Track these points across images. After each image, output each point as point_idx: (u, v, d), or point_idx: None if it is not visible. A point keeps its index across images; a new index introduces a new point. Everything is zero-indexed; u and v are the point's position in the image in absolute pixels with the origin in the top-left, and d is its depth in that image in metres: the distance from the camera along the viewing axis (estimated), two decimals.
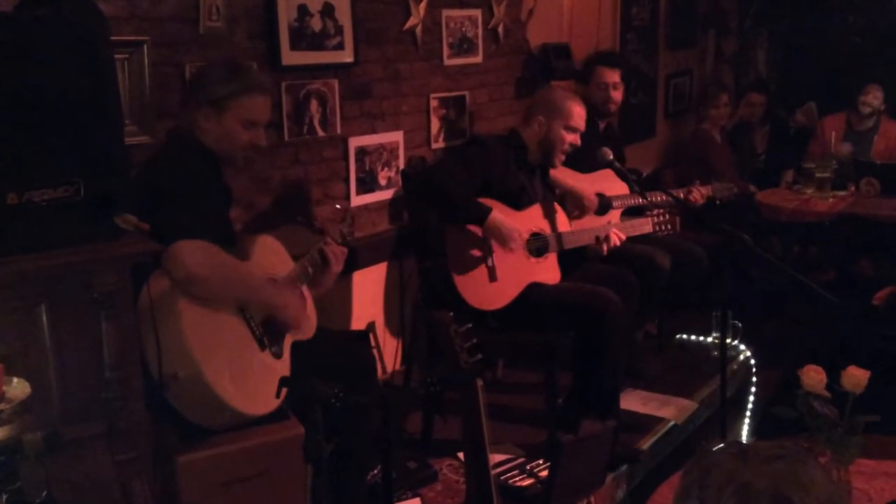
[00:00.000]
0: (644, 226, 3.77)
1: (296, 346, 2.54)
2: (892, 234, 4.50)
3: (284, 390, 2.18)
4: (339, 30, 3.49)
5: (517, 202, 3.41)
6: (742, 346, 4.26)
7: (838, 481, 2.02)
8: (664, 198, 3.73)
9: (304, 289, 2.67)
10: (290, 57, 3.30)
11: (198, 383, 2.21)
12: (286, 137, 3.37)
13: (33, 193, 1.84)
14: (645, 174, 4.94)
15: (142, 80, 2.80)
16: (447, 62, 4.08)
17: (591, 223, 3.67)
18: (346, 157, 3.64)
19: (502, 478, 3.03)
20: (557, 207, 3.58)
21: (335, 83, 3.53)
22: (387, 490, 2.03)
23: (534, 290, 3.34)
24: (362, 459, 2.72)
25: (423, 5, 3.87)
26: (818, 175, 4.84)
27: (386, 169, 3.83)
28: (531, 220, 3.43)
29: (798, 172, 5.09)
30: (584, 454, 2.70)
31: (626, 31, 5.41)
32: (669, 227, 3.79)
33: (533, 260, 3.41)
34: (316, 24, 3.40)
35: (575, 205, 3.73)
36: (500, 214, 3.27)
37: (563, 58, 4.61)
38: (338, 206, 3.25)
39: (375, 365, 2.88)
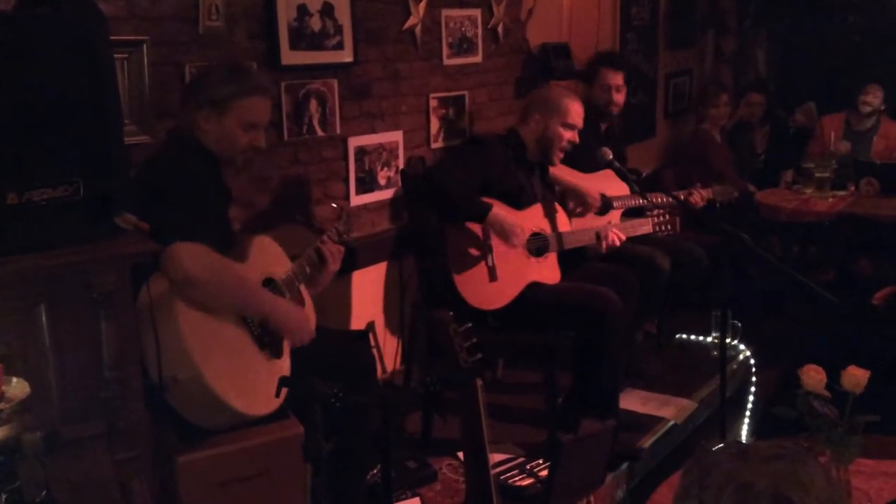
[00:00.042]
0: (644, 226, 3.77)
1: None
2: (891, 233, 4.50)
3: (284, 390, 2.19)
4: (339, 29, 3.49)
5: (517, 201, 3.41)
6: (742, 346, 4.26)
7: (838, 481, 2.02)
8: (665, 199, 3.73)
9: (303, 288, 2.67)
10: (289, 56, 3.30)
11: (198, 384, 2.20)
12: (286, 137, 3.36)
13: (33, 193, 1.84)
14: (645, 174, 4.94)
15: (141, 80, 2.80)
16: (447, 62, 4.08)
17: (591, 223, 3.67)
18: (345, 157, 3.64)
19: (502, 477, 3.03)
20: (558, 207, 3.58)
21: (335, 83, 3.53)
22: (386, 490, 2.03)
23: (534, 289, 3.34)
24: (362, 459, 2.72)
25: (422, 5, 3.87)
26: (818, 175, 4.84)
27: (385, 169, 3.83)
28: (532, 219, 3.43)
29: (798, 172, 5.10)
30: (584, 454, 2.70)
31: (625, 31, 5.41)
32: (669, 227, 3.79)
33: (533, 259, 3.41)
34: (315, 23, 3.40)
35: (578, 202, 3.72)
36: (502, 210, 3.27)
37: (563, 57, 4.61)
38: (334, 205, 3.24)
39: (375, 364, 2.88)
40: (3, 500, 1.74)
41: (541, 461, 3.16)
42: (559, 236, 3.48)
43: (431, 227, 3.38)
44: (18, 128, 1.83)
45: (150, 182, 2.38)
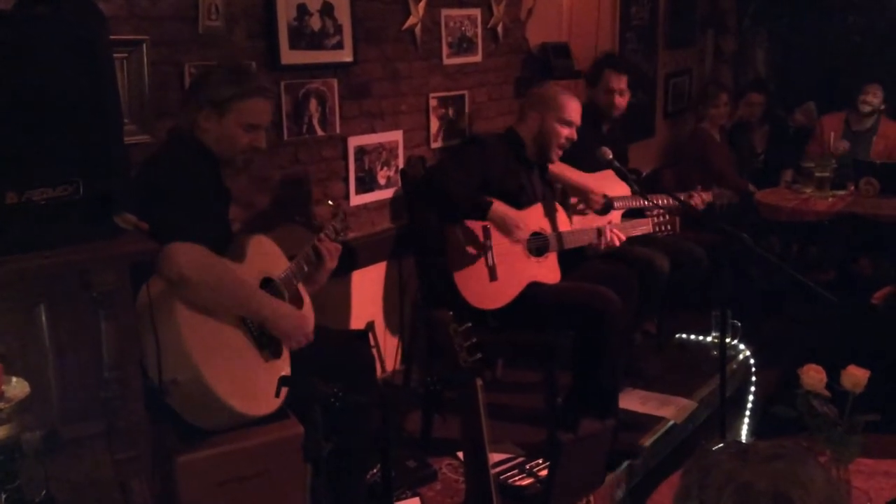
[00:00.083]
0: (644, 226, 3.77)
1: None
2: (891, 233, 4.50)
3: (284, 390, 2.19)
4: (339, 29, 3.49)
5: (518, 201, 3.41)
6: (741, 346, 4.26)
7: (838, 480, 2.02)
8: (666, 200, 3.73)
9: (301, 287, 2.67)
10: (289, 56, 3.30)
11: (198, 385, 2.20)
12: (285, 137, 3.36)
13: (32, 192, 1.84)
14: (644, 174, 4.94)
15: (141, 80, 2.80)
16: (446, 61, 4.08)
17: (591, 223, 3.67)
18: (345, 157, 3.64)
19: (502, 477, 3.03)
20: (558, 206, 3.58)
21: (334, 82, 3.53)
22: (386, 489, 2.03)
23: (534, 289, 3.34)
24: (362, 459, 2.72)
25: (422, 4, 3.87)
26: (817, 174, 4.84)
27: (385, 168, 3.83)
28: (532, 219, 3.43)
29: (797, 172, 5.10)
30: (584, 453, 2.70)
31: (625, 31, 5.41)
32: (669, 227, 3.79)
33: (533, 259, 3.41)
34: (315, 23, 3.40)
35: (580, 199, 3.72)
36: (503, 205, 3.27)
37: (563, 57, 4.61)
38: (330, 203, 3.24)
39: (375, 364, 2.88)
40: (3, 499, 1.74)
41: (540, 461, 3.16)
42: (559, 236, 3.48)
43: (431, 227, 3.38)
44: (18, 127, 1.83)
45: (150, 182, 2.38)
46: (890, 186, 4.67)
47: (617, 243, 3.58)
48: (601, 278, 3.44)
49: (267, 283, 2.53)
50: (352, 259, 3.58)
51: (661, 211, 3.79)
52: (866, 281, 4.65)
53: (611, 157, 3.45)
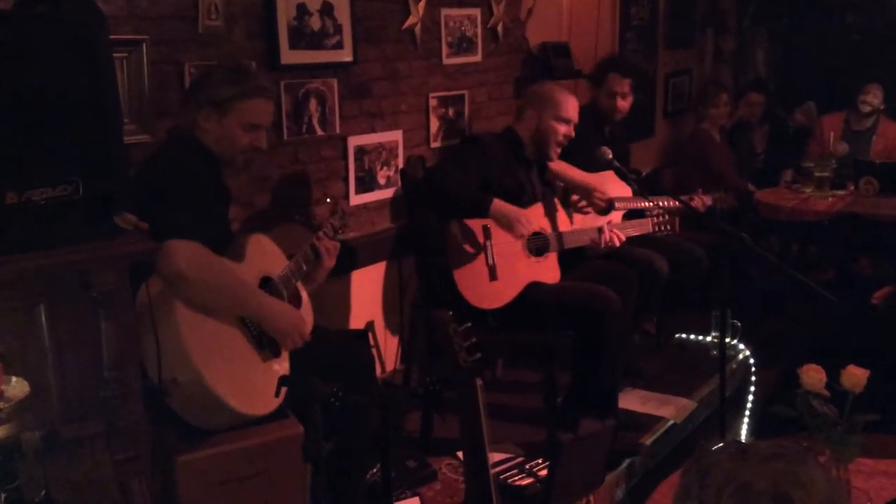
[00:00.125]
0: (644, 226, 3.77)
1: None
2: (891, 233, 4.50)
3: (284, 389, 2.19)
4: (338, 29, 3.49)
5: (518, 200, 3.41)
6: (741, 346, 4.26)
7: (838, 480, 2.02)
8: (666, 202, 3.73)
9: (301, 286, 2.67)
10: (288, 56, 3.30)
11: (198, 385, 2.20)
12: (285, 136, 3.36)
13: (32, 192, 1.84)
14: (644, 174, 4.94)
15: (141, 79, 2.80)
16: (446, 61, 4.08)
17: (592, 223, 3.67)
18: (344, 157, 3.64)
19: (501, 477, 3.03)
20: (558, 206, 3.58)
21: (334, 82, 3.52)
22: (386, 489, 2.03)
23: (533, 289, 3.34)
24: (361, 458, 2.72)
25: (422, 4, 3.87)
26: (817, 174, 4.84)
27: (385, 168, 3.82)
28: (533, 218, 3.42)
29: (797, 172, 5.10)
30: (584, 453, 2.70)
31: (625, 31, 5.41)
32: (668, 227, 3.79)
33: (533, 259, 3.41)
34: (315, 23, 3.40)
35: (583, 196, 3.71)
36: (503, 202, 3.26)
37: (563, 57, 4.61)
38: (328, 200, 3.24)
39: (374, 364, 2.88)
40: (3, 499, 1.74)
41: (540, 461, 3.16)
42: (559, 236, 3.48)
43: (431, 227, 3.38)
44: (18, 127, 1.82)
45: (150, 181, 2.38)
46: (889, 186, 4.67)
47: (617, 243, 3.58)
48: (601, 278, 3.44)
49: (266, 283, 2.53)
50: (351, 259, 3.58)
51: (661, 211, 3.79)
52: (866, 281, 4.65)
53: (611, 156, 3.45)
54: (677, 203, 3.56)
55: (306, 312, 2.63)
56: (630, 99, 4.19)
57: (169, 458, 2.25)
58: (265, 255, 2.59)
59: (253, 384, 2.35)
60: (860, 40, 6.53)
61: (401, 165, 3.86)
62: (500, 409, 3.57)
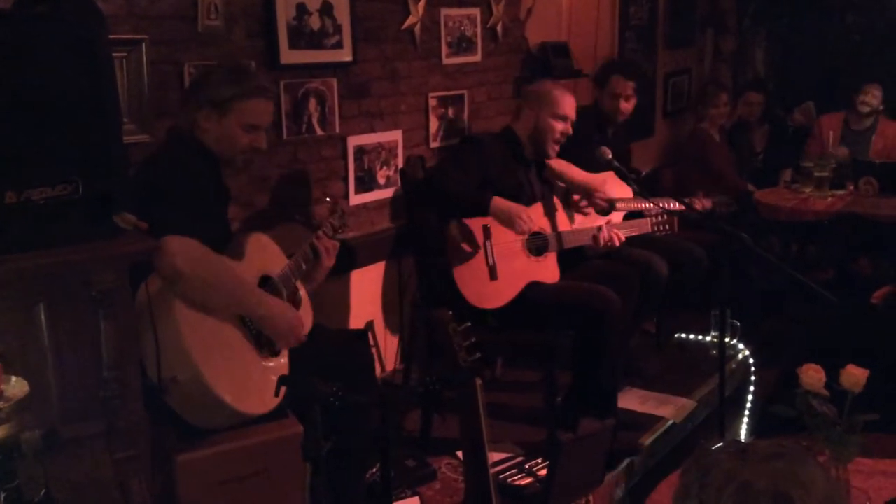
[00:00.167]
0: (643, 226, 3.77)
1: None
2: (890, 233, 4.50)
3: (283, 389, 2.18)
4: (338, 29, 3.49)
5: (517, 200, 3.40)
6: (741, 345, 4.26)
7: (837, 480, 2.02)
8: (667, 204, 3.73)
9: (300, 285, 2.67)
10: (288, 56, 3.30)
11: (197, 385, 2.20)
12: (285, 136, 3.36)
13: (32, 192, 1.84)
14: (644, 173, 4.95)
15: (140, 79, 2.80)
16: (446, 61, 4.08)
17: (592, 223, 3.67)
18: (344, 156, 3.64)
19: (501, 476, 3.03)
20: (558, 206, 3.58)
21: (334, 82, 3.52)
22: (385, 489, 2.03)
23: (533, 289, 3.34)
24: (361, 458, 2.72)
25: (421, 4, 3.87)
26: (816, 174, 4.84)
27: (385, 168, 3.82)
28: (533, 217, 3.42)
29: (796, 171, 5.09)
30: (583, 453, 2.70)
31: (624, 30, 5.41)
32: (668, 227, 3.79)
33: (533, 259, 3.41)
34: (314, 22, 3.40)
35: (584, 196, 3.71)
36: (503, 199, 3.26)
37: (562, 56, 4.61)
38: (328, 199, 3.24)
39: (374, 363, 2.88)
40: (3, 499, 1.74)
41: (540, 460, 3.16)
42: (559, 236, 3.48)
43: (431, 227, 3.38)
44: (17, 127, 1.82)
45: (150, 181, 2.37)
46: (889, 186, 4.67)
47: (616, 243, 3.58)
48: (601, 278, 3.44)
49: (265, 281, 2.53)
50: (351, 258, 3.58)
51: (661, 211, 3.79)
52: (865, 280, 4.65)
53: (610, 156, 3.45)
54: (678, 205, 3.56)
55: (306, 312, 2.63)
56: (633, 101, 4.20)
57: (169, 458, 2.25)
58: (265, 253, 2.59)
59: (252, 383, 2.34)
60: (860, 40, 6.53)
61: (400, 165, 3.86)
62: (499, 409, 3.57)
